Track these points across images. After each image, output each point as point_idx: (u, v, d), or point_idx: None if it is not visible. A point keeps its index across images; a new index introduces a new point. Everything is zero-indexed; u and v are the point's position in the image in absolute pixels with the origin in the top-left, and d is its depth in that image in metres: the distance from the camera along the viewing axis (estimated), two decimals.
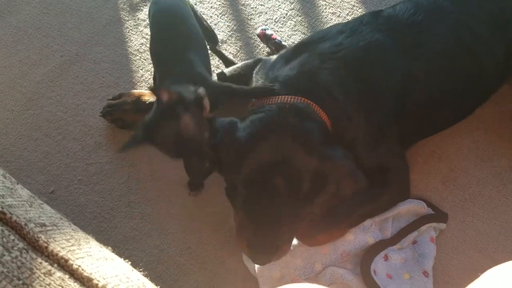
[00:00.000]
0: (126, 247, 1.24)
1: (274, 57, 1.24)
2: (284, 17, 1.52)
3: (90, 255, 0.58)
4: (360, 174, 1.02)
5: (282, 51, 1.25)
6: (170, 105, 0.96)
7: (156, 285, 1.10)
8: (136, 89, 1.42)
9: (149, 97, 1.36)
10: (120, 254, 1.20)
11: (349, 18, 1.50)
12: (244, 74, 1.30)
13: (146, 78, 1.44)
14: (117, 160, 1.35)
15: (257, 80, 1.22)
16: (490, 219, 1.23)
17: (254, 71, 1.27)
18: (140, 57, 1.48)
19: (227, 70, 1.35)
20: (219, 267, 1.20)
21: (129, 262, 0.76)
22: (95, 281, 0.51)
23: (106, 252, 0.68)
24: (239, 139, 1.00)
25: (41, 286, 0.48)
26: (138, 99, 1.36)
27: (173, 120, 0.96)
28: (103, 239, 1.25)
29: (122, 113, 1.37)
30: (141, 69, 1.46)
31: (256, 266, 1.11)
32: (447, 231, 1.22)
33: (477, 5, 1.18)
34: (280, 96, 1.05)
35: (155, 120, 1.00)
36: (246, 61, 1.36)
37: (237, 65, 1.36)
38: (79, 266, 0.52)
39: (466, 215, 1.24)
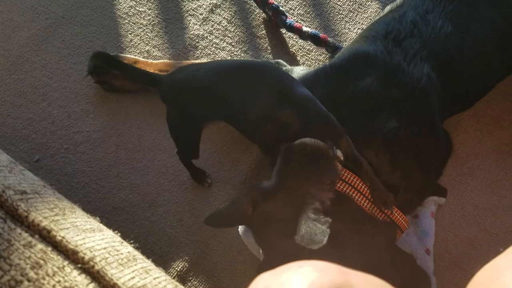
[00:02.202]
0: (115, 218, 1.19)
1: (300, 69, 1.17)
2: None
3: (76, 226, 0.53)
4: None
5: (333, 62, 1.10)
6: None
7: (147, 257, 1.07)
8: (124, 54, 1.35)
9: (144, 65, 1.29)
10: (109, 226, 1.15)
11: None
12: None
13: (135, 43, 1.36)
14: (105, 128, 1.28)
15: None
16: (488, 193, 1.20)
17: None
18: (129, 20, 1.39)
19: None
20: (212, 239, 1.16)
21: (119, 234, 0.71)
22: (80, 254, 0.46)
23: (93, 223, 0.62)
24: None
25: (20, 259, 0.42)
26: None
27: None
28: (91, 209, 1.19)
29: (110, 76, 1.29)
30: (130, 34, 1.38)
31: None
32: (444, 205, 1.18)
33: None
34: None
35: None
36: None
37: None
38: (63, 237, 0.47)
39: (464, 189, 1.21)
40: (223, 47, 1.35)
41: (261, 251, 1.02)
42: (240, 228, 1.09)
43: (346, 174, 0.93)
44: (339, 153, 0.87)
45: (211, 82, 0.96)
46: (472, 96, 1.17)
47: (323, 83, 1.04)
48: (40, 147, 1.26)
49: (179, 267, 1.13)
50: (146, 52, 1.35)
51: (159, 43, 1.37)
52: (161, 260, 1.14)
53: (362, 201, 0.93)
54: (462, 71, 1.09)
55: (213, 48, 1.35)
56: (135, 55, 1.34)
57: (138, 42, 1.37)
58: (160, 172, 1.23)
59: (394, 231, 0.98)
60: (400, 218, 0.98)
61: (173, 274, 1.12)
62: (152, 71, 1.27)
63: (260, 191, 0.84)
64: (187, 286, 1.12)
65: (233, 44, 1.36)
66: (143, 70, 1.12)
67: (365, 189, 0.94)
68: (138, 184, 1.22)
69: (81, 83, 1.34)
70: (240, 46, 1.35)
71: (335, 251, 0.83)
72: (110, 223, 1.17)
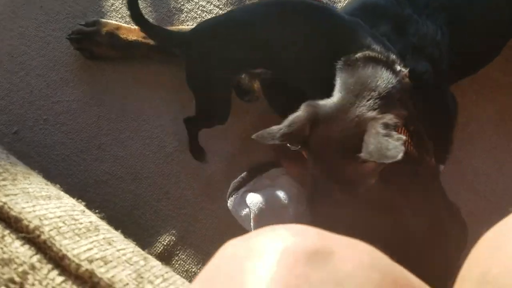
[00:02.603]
0: (97, 191, 1.13)
1: None
2: None
3: (28, 192, 0.47)
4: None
5: None
6: None
7: (132, 231, 1.01)
8: (106, 19, 1.26)
9: (126, 32, 1.21)
10: (91, 199, 1.09)
11: None
12: None
13: (116, 7, 1.28)
14: (86, 98, 1.21)
15: None
16: (489, 159, 1.13)
17: None
18: None
19: None
20: (200, 212, 1.10)
21: (83, 203, 0.65)
22: (25, 222, 0.40)
23: (51, 190, 0.56)
24: None
25: None
26: (113, 32, 1.20)
27: None
28: (72, 183, 1.14)
29: (92, 44, 1.21)
30: None
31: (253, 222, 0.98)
32: (442, 171, 1.13)
33: None
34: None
35: None
36: None
37: None
38: (5, 203, 0.41)
39: (463, 156, 1.14)
40: (210, 10, 1.27)
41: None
42: (229, 202, 1.03)
43: None
44: (404, 70, 0.76)
45: (247, 23, 0.88)
46: (479, 59, 1.10)
47: None
48: (18, 119, 1.20)
49: (166, 241, 1.08)
50: (128, 16, 1.27)
51: (141, 6, 1.25)
52: (147, 234, 1.08)
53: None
54: (473, 30, 1.02)
55: (199, 11, 1.27)
56: (117, 20, 1.26)
57: (120, 6, 1.28)
58: (145, 143, 1.16)
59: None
60: None
61: (160, 248, 1.07)
62: (135, 38, 1.20)
63: (320, 108, 0.72)
64: (175, 260, 1.07)
65: (220, 6, 1.27)
66: (166, 29, 1.04)
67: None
68: (121, 156, 1.16)
69: (60, 50, 1.26)
70: (228, 9, 1.27)
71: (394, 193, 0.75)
72: (92, 197, 1.12)
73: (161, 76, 1.21)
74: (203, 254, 1.07)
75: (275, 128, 0.72)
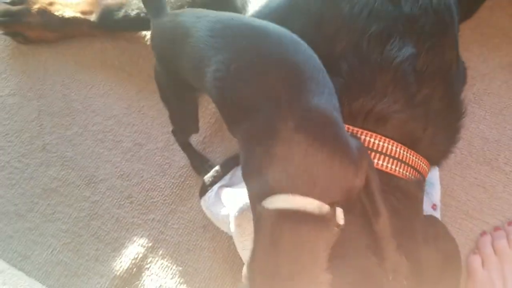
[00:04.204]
0: (48, 202, 0.94)
1: None
2: None
3: None
4: None
5: None
6: None
7: (92, 246, 0.90)
8: None
9: (63, 8, 1.00)
10: (41, 212, 0.93)
11: None
12: None
13: None
14: (22, 91, 0.99)
15: None
16: (500, 122, 0.96)
17: None
18: None
19: None
20: (170, 216, 0.92)
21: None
22: None
23: None
24: None
25: None
26: (46, 9, 0.98)
27: None
28: (16, 194, 0.95)
29: (23, 26, 1.00)
30: None
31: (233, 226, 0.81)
32: None
33: None
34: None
35: None
36: None
37: None
38: None
39: (470, 121, 0.96)
40: None
41: (234, 230, 0.79)
42: (202, 202, 0.86)
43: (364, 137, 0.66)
44: (339, 214, 0.52)
45: (189, 32, 0.62)
46: None
47: (303, 8, 0.70)
48: None
49: (133, 255, 0.91)
50: None
51: None
52: (110, 248, 0.91)
53: (389, 165, 0.68)
54: None
55: None
56: None
57: None
58: (97, 139, 0.97)
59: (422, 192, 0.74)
60: (424, 165, 0.74)
61: (127, 263, 0.89)
62: (73, 14, 0.99)
63: None
64: (146, 275, 0.89)
65: None
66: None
67: (388, 146, 0.69)
68: (70, 157, 0.96)
69: None
70: None
71: None
72: (42, 208, 0.95)
73: (108, 57, 1.00)
74: (179, 265, 0.90)
75: None
